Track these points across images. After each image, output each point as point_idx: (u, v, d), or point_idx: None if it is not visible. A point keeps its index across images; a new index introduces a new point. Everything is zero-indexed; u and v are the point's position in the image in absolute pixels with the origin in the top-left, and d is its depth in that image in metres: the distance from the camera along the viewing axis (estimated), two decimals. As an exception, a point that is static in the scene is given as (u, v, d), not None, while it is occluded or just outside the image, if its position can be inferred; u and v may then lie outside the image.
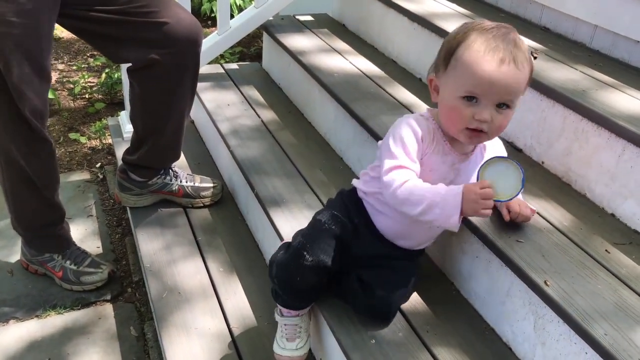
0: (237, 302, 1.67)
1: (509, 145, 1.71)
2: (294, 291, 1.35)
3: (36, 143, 1.64)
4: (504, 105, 1.15)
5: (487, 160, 1.22)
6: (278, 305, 1.40)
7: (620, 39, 1.83)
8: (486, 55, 1.12)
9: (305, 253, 1.28)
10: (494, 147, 1.35)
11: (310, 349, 1.44)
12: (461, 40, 1.16)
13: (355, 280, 1.34)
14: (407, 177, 1.19)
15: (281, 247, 1.42)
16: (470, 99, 1.15)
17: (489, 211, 1.18)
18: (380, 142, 1.32)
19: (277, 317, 1.41)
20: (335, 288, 1.38)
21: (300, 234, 1.34)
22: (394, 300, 1.33)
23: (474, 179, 1.26)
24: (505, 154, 1.37)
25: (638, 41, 1.76)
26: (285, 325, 1.40)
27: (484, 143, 1.31)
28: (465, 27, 1.19)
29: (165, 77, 1.68)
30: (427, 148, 1.23)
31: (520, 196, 1.34)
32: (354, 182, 1.39)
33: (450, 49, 1.18)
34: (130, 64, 1.70)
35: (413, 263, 1.39)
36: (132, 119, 1.86)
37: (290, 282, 1.33)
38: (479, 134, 1.17)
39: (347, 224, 1.32)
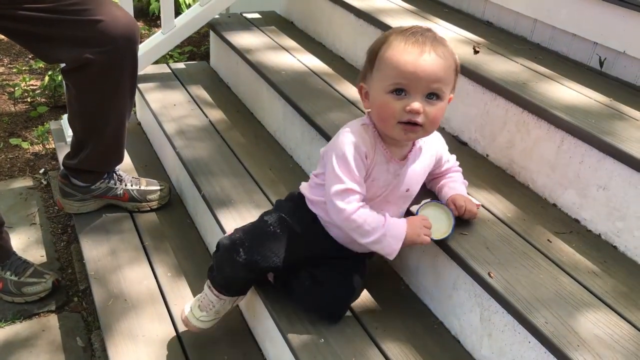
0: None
1: (454, 139, 1.72)
2: (222, 278, 1.36)
3: None
4: (433, 96, 1.16)
5: (427, 202, 1.32)
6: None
7: (558, 32, 1.87)
8: (407, 47, 1.15)
9: (240, 249, 1.29)
10: (434, 143, 1.35)
11: (260, 348, 1.42)
12: (382, 42, 1.19)
13: (307, 277, 1.33)
14: (358, 204, 1.20)
15: (231, 233, 1.39)
16: (398, 92, 1.15)
17: (428, 238, 1.24)
18: (322, 149, 1.32)
19: (205, 285, 1.42)
20: (284, 288, 1.37)
21: (242, 229, 1.33)
22: (346, 299, 1.33)
23: (413, 180, 1.30)
24: (446, 149, 1.38)
25: (575, 34, 1.81)
26: (205, 295, 1.41)
27: (423, 143, 1.31)
28: (385, 33, 1.23)
29: (102, 77, 1.63)
30: (371, 161, 1.24)
31: (464, 191, 1.36)
32: (301, 187, 1.38)
33: (373, 52, 1.21)
34: (64, 65, 1.64)
35: (364, 263, 1.38)
36: (71, 122, 1.79)
37: (221, 268, 1.34)
38: (413, 128, 1.17)
39: (296, 227, 1.31)
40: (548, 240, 1.31)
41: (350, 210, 1.19)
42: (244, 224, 1.37)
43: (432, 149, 1.33)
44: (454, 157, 1.41)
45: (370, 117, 1.26)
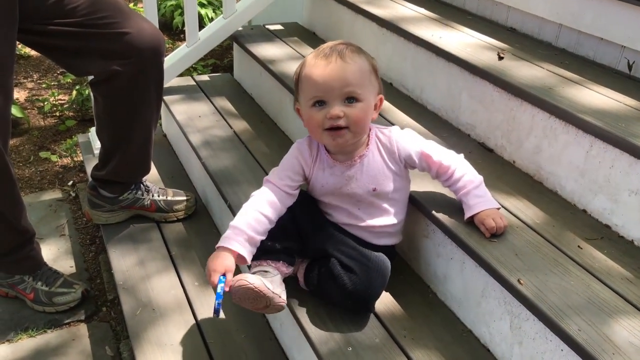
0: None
1: (480, 146, 1.71)
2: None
3: None
4: (352, 100, 1.25)
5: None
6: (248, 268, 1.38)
7: (584, 36, 1.85)
8: (316, 62, 1.26)
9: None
10: (398, 142, 1.34)
11: (287, 357, 1.42)
12: (301, 66, 1.32)
13: (337, 264, 1.32)
14: (260, 193, 1.35)
15: None
16: (319, 104, 1.26)
17: (213, 281, 1.26)
18: None
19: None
20: (314, 281, 1.36)
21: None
22: (377, 284, 1.32)
23: (375, 179, 1.33)
24: (417, 144, 1.35)
25: (602, 38, 1.79)
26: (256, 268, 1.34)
27: (377, 143, 1.35)
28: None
29: (129, 88, 1.66)
30: (313, 166, 1.36)
31: (483, 203, 1.31)
32: None
33: (295, 76, 1.34)
34: (92, 77, 1.67)
35: (391, 255, 1.40)
36: (99, 133, 1.83)
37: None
38: (339, 132, 1.26)
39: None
40: (578, 246, 1.29)
41: (253, 195, 1.35)
42: None
43: (388, 146, 1.34)
44: (450, 152, 1.37)
45: None
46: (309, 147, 1.37)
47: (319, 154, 1.36)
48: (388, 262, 1.34)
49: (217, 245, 1.30)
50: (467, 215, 1.32)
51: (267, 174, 1.89)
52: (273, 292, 1.26)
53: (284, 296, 1.30)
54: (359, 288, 1.29)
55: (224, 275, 1.25)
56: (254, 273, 1.31)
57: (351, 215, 1.37)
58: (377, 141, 1.36)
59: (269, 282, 1.27)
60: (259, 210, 1.31)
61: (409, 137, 1.37)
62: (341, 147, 1.31)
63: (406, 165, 1.37)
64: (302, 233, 1.37)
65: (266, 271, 1.32)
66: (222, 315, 1.62)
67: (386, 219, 1.38)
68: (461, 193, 1.34)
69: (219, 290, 1.24)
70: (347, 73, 1.24)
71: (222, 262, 1.26)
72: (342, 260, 1.32)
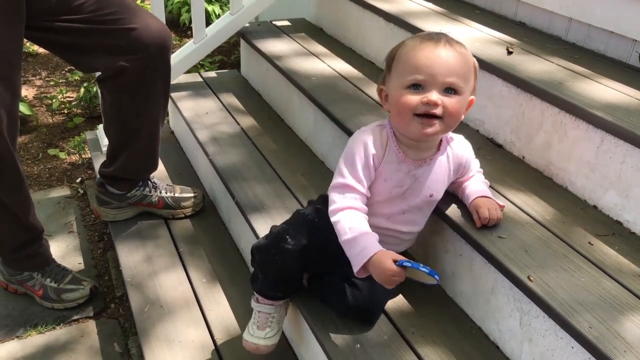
0: (221, 312, 1.64)
1: (489, 141, 1.70)
2: (272, 277, 1.34)
3: (4, 166, 1.57)
4: (451, 90, 1.16)
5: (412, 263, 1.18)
6: (255, 293, 1.39)
7: (594, 30, 1.83)
8: (422, 44, 1.17)
9: (287, 237, 1.28)
10: (462, 149, 1.33)
11: (295, 354, 1.41)
12: (398, 46, 1.22)
13: (340, 279, 1.31)
14: (352, 202, 1.21)
15: (261, 238, 1.39)
16: (415, 87, 1.16)
17: (391, 285, 1.19)
18: None
19: (253, 304, 1.40)
20: (317, 290, 1.36)
21: (280, 225, 1.34)
22: (380, 299, 1.31)
23: (435, 185, 1.28)
24: (473, 156, 1.35)
25: (612, 32, 1.76)
26: (258, 312, 1.39)
27: (448, 149, 1.30)
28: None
29: (136, 84, 1.66)
30: (379, 161, 1.25)
31: (487, 192, 1.34)
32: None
33: (390, 55, 1.24)
34: (100, 73, 1.67)
35: None
36: (106, 130, 1.83)
37: (270, 266, 1.32)
38: (430, 120, 1.16)
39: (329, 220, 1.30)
40: (589, 242, 1.28)
41: (339, 206, 1.21)
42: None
43: (458, 155, 1.31)
44: (477, 161, 1.40)
45: (390, 119, 1.27)
46: (380, 137, 1.25)
47: (388, 145, 1.25)
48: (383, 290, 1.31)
49: (362, 265, 1.18)
50: (472, 198, 1.32)
51: (274, 170, 1.91)
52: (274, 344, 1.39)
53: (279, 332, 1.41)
54: (361, 303, 1.28)
55: (395, 261, 1.16)
56: (256, 320, 1.40)
57: (391, 219, 1.31)
58: (448, 147, 1.30)
59: (271, 332, 1.39)
60: (360, 227, 1.21)
61: (471, 149, 1.36)
62: (427, 137, 1.21)
63: (459, 174, 1.35)
64: (311, 261, 1.33)
65: (268, 313, 1.38)
66: (230, 312, 1.62)
67: (418, 227, 1.36)
68: (469, 179, 1.35)
69: (411, 266, 1.15)
70: (454, 61, 1.15)
71: (387, 262, 1.16)
72: (346, 274, 1.29)
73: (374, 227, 1.25)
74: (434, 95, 1.14)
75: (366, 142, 1.23)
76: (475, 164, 1.38)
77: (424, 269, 1.14)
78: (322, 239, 1.28)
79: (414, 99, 1.15)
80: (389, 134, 1.25)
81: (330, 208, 1.23)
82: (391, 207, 1.29)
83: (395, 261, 1.16)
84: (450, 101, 1.15)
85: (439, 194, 1.32)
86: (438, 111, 1.15)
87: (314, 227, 1.30)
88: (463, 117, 1.22)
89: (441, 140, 1.29)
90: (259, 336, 1.39)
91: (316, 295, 1.37)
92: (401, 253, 1.38)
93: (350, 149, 1.25)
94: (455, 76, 1.15)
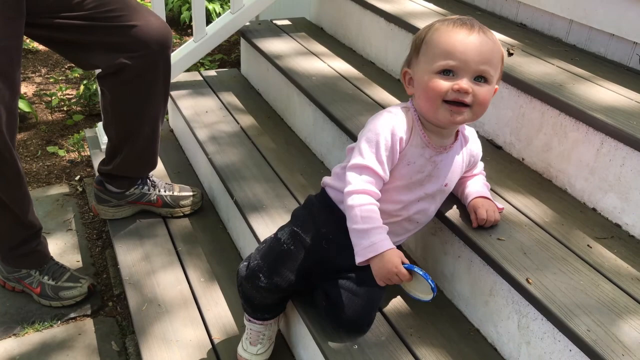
0: (219, 312, 1.63)
1: (489, 142, 1.69)
2: (255, 305, 1.36)
3: (2, 163, 1.56)
4: (481, 79, 1.13)
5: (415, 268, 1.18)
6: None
7: (595, 32, 1.82)
8: (455, 29, 1.13)
9: (260, 275, 1.29)
10: (476, 142, 1.33)
11: (292, 354, 1.41)
12: (428, 29, 1.18)
13: (323, 297, 1.30)
14: (364, 186, 1.16)
15: (248, 257, 1.38)
16: (446, 73, 1.13)
17: (386, 281, 1.18)
18: (350, 145, 1.30)
19: (245, 320, 1.42)
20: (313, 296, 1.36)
21: (258, 253, 1.33)
22: (362, 317, 1.28)
23: (451, 174, 1.27)
24: (480, 153, 1.36)
25: (613, 34, 1.76)
26: (250, 329, 1.41)
27: (466, 136, 1.29)
28: (430, 23, 1.21)
29: (136, 81, 1.65)
30: (405, 143, 1.20)
31: (487, 193, 1.34)
32: (324, 180, 1.35)
33: (419, 38, 1.19)
34: (100, 71, 1.67)
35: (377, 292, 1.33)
36: (106, 127, 1.83)
37: (249, 298, 1.35)
38: (460, 108, 1.13)
39: (306, 241, 1.29)
40: (588, 245, 1.27)
41: (357, 188, 1.15)
42: (262, 244, 1.36)
43: (473, 146, 1.31)
44: (482, 164, 1.40)
45: (413, 102, 1.24)
46: (407, 119, 1.20)
47: (414, 129, 1.21)
48: (378, 295, 1.30)
49: (368, 258, 1.16)
50: (471, 198, 1.32)
51: (273, 170, 1.91)
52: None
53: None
54: (344, 320, 1.27)
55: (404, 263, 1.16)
56: (248, 335, 1.42)
57: (406, 206, 1.26)
58: (462, 138, 1.29)
59: (262, 348, 1.42)
60: (372, 218, 1.16)
61: (480, 143, 1.35)
62: (455, 125, 1.20)
63: (468, 167, 1.35)
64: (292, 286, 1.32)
65: (258, 331, 1.41)
66: (227, 312, 1.62)
67: (426, 218, 1.33)
68: (470, 178, 1.35)
69: (418, 271, 1.14)
70: (488, 49, 1.12)
71: (395, 260, 1.15)
72: (327, 293, 1.29)
73: (385, 214, 1.21)
74: (465, 83, 1.11)
75: (394, 124, 1.18)
76: (480, 163, 1.38)
77: (429, 282, 1.14)
78: (298, 267, 1.27)
79: (444, 84, 1.12)
80: (414, 117, 1.22)
81: (346, 189, 1.17)
82: (409, 194, 1.25)
83: (404, 262, 1.15)
84: (480, 90, 1.13)
85: (452, 184, 1.30)
86: (468, 99, 1.12)
87: (289, 257, 1.28)
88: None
89: (458, 130, 1.27)
90: (251, 352, 1.42)
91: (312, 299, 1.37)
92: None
93: (375, 130, 1.18)
94: (487, 64, 1.12)
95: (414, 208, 1.27)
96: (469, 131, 1.32)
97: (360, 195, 1.16)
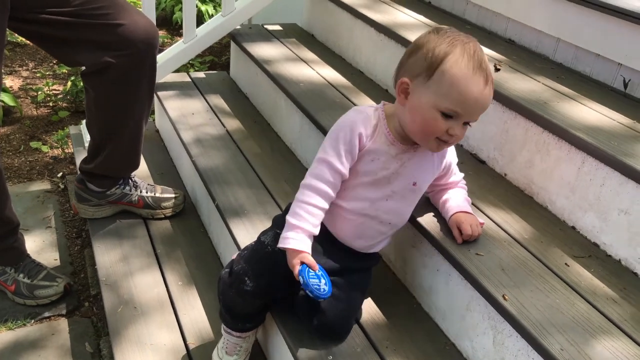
0: (195, 316, 1.62)
1: (473, 157, 1.70)
2: (236, 314, 1.34)
3: None
4: (467, 123, 1.19)
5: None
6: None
7: (582, 52, 1.84)
8: (474, 76, 1.13)
9: (246, 278, 1.27)
10: (452, 149, 1.35)
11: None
12: (447, 53, 1.14)
13: (304, 300, 1.28)
14: (316, 184, 1.21)
15: (229, 263, 1.37)
16: (448, 115, 1.16)
17: (296, 270, 1.20)
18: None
19: (222, 330, 1.41)
20: (291, 304, 1.35)
21: (242, 258, 1.31)
22: (342, 322, 1.29)
23: (420, 174, 1.28)
24: (456, 160, 1.37)
25: (598, 54, 1.78)
26: (227, 340, 1.40)
27: None
28: (445, 35, 1.18)
29: (121, 80, 1.64)
30: (367, 139, 1.23)
31: (468, 208, 1.34)
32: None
33: (435, 60, 1.14)
34: (84, 68, 1.65)
35: (366, 275, 1.36)
36: (89, 126, 1.81)
37: (230, 307, 1.33)
38: (445, 144, 1.21)
39: None
40: (565, 263, 1.28)
41: (310, 183, 1.21)
42: (243, 251, 1.35)
43: (444, 153, 1.32)
44: (461, 175, 1.40)
45: (386, 105, 1.26)
46: (372, 117, 1.24)
47: (379, 127, 1.24)
48: (359, 302, 1.33)
49: (280, 247, 1.21)
50: (452, 212, 1.33)
51: (257, 175, 1.89)
52: None
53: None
54: (324, 324, 1.26)
55: (302, 264, 1.19)
56: (225, 344, 1.41)
57: (375, 204, 1.27)
58: None
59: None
60: (316, 204, 1.21)
61: (454, 149, 1.36)
62: (436, 151, 1.26)
63: (440, 173, 1.35)
64: (276, 290, 1.33)
65: (235, 343, 1.40)
66: (204, 317, 1.60)
67: (399, 219, 1.33)
68: (451, 193, 1.36)
69: (306, 278, 1.18)
70: (489, 102, 1.18)
71: (294, 261, 1.19)
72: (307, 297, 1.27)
73: (356, 214, 1.26)
74: (460, 130, 1.17)
75: (355, 119, 1.23)
76: (458, 172, 1.38)
77: (307, 292, 1.18)
78: (282, 271, 1.25)
79: (443, 125, 1.16)
80: (380, 116, 1.24)
81: (302, 182, 1.24)
82: (376, 191, 1.26)
83: (313, 268, 1.19)
84: (463, 132, 1.20)
85: (422, 185, 1.31)
86: (455, 140, 1.20)
87: (273, 260, 1.27)
88: None
89: None
90: None
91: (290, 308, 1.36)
92: (374, 256, 1.38)
93: (337, 125, 1.24)
94: (484, 113, 1.19)
95: (383, 207, 1.28)
96: None
97: (307, 192, 1.21)
